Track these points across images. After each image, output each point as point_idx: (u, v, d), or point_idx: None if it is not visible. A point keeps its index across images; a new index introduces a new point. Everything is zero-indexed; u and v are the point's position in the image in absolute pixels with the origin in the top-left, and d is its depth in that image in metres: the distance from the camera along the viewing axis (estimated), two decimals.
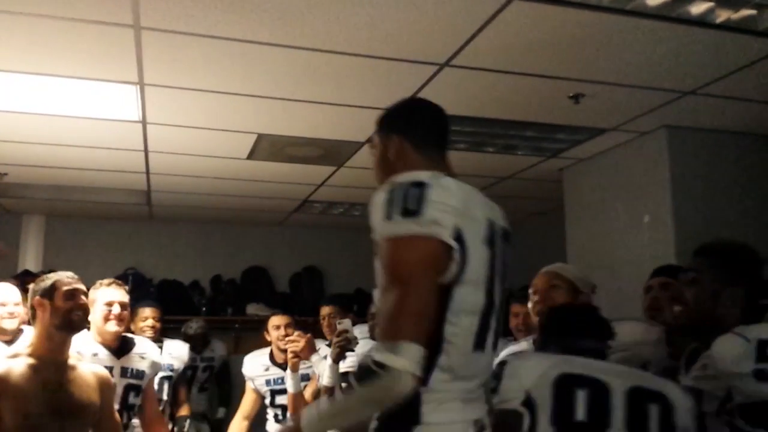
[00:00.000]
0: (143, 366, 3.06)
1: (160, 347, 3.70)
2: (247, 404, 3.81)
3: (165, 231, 6.18)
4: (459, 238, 1.38)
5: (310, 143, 3.74)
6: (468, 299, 1.42)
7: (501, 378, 1.70)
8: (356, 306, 5.10)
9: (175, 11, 2.26)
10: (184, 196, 5.13)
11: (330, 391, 2.98)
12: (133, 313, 3.90)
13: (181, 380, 4.14)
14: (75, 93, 3.00)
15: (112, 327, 2.95)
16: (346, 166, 4.20)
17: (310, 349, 3.25)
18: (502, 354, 2.32)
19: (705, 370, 1.85)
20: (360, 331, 3.27)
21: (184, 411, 4.07)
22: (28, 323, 2.64)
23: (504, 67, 2.74)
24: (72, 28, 2.37)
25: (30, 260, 5.76)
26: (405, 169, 1.50)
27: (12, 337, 2.91)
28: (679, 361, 2.04)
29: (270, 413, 3.75)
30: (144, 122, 3.40)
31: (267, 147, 3.81)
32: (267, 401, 3.74)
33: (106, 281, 3.03)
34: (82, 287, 2.47)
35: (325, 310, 3.89)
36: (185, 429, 3.85)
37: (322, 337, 3.84)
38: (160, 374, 3.56)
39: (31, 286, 2.49)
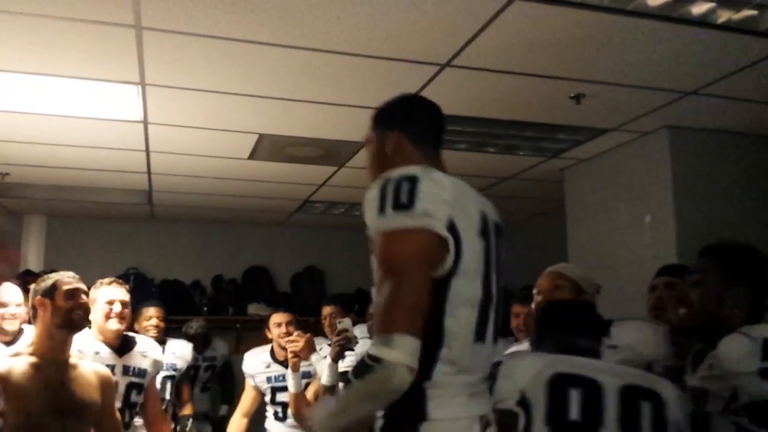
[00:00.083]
0: (145, 364, 3.07)
1: (164, 347, 3.71)
2: (246, 402, 3.80)
3: (166, 231, 6.18)
4: (452, 229, 1.38)
5: (311, 143, 3.74)
6: (465, 290, 1.42)
7: (496, 378, 1.69)
8: (357, 306, 5.12)
9: (176, 11, 2.26)
10: (186, 196, 5.13)
11: (330, 390, 2.98)
12: (137, 313, 3.92)
13: (184, 379, 4.15)
14: (76, 93, 3.00)
15: (114, 325, 2.96)
16: (347, 166, 4.20)
17: (310, 349, 3.25)
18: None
19: (711, 370, 1.85)
20: (360, 330, 3.28)
21: (187, 410, 4.08)
22: (29, 322, 2.65)
23: (505, 68, 2.74)
24: (73, 28, 2.38)
25: (31, 260, 5.78)
26: (402, 164, 1.49)
27: (12, 338, 2.91)
28: (685, 361, 2.04)
29: (270, 410, 3.73)
30: (145, 122, 3.41)
31: (268, 147, 3.81)
32: (267, 398, 3.72)
33: (106, 280, 3.04)
34: (83, 287, 2.49)
35: (326, 310, 3.91)
36: (188, 428, 3.85)
37: (324, 336, 3.84)
38: (163, 373, 3.57)
39: (32, 286, 2.50)
